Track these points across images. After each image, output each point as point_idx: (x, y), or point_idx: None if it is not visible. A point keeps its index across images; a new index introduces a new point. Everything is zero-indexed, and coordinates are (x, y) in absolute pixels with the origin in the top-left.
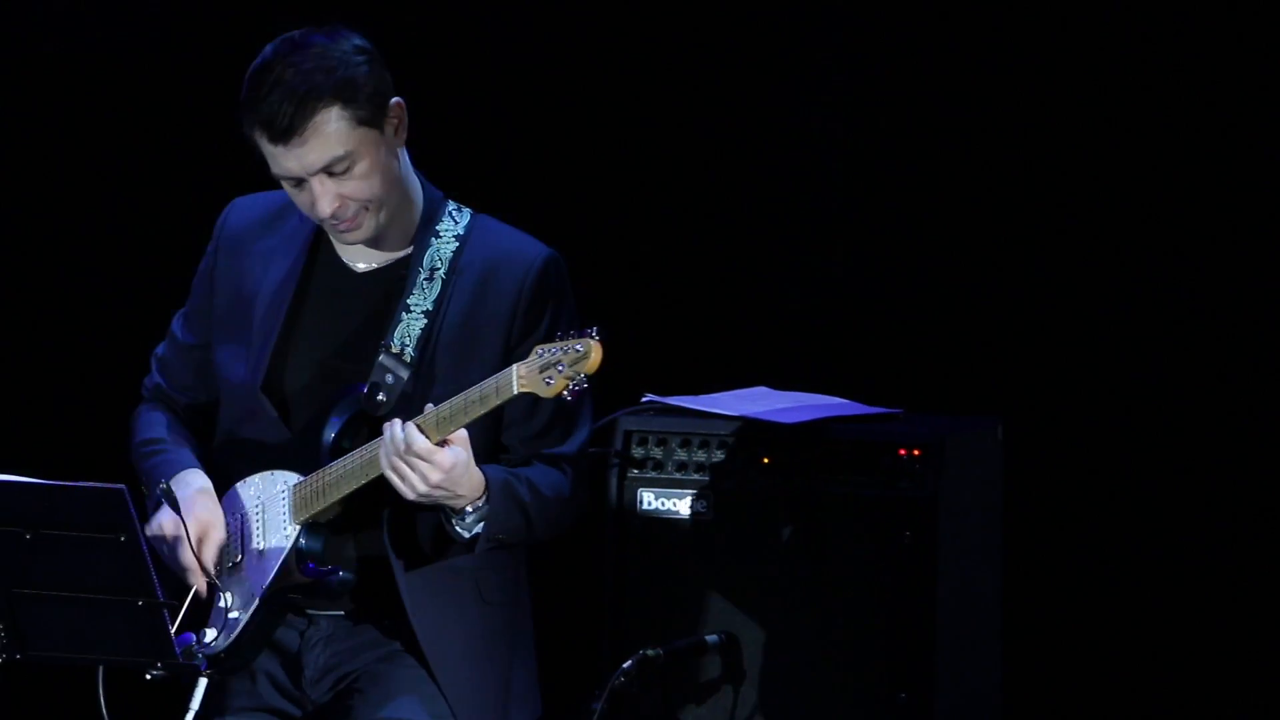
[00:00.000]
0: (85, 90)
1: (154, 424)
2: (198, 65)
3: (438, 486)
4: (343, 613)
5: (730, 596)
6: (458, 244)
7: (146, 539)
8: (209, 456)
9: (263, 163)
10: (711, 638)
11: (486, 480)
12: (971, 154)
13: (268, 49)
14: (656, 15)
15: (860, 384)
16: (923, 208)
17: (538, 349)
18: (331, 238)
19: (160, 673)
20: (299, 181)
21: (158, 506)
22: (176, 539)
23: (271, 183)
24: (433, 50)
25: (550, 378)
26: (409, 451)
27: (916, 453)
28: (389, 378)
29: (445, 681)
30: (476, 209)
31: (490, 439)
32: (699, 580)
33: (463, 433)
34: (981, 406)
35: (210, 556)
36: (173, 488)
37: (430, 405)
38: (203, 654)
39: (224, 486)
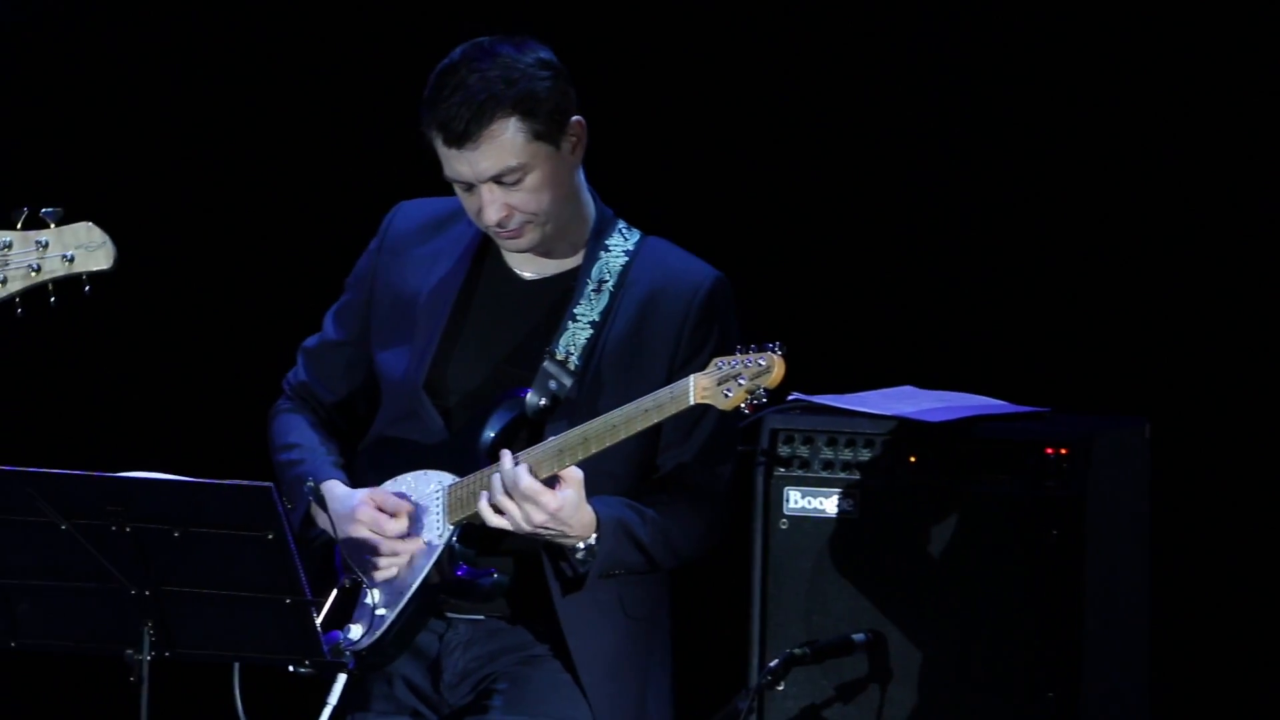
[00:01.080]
0: (239, 88)
1: (294, 427)
2: (361, 63)
3: (543, 526)
4: (482, 617)
5: (876, 595)
6: (627, 259)
7: (336, 532)
8: (357, 454)
9: (435, 163)
10: (858, 636)
11: (599, 520)
12: (1117, 149)
13: (456, 52)
14: (796, 31)
15: (1007, 383)
16: (1068, 206)
17: (717, 361)
18: (500, 246)
19: (306, 669)
20: (469, 186)
21: (305, 516)
22: (374, 528)
23: (435, 187)
24: (610, 69)
25: (729, 390)
26: (515, 489)
27: (1064, 452)
28: (552, 384)
29: (589, 686)
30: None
31: (643, 458)
32: (845, 579)
33: (576, 472)
34: (1129, 405)
35: (405, 547)
36: (324, 496)
37: (551, 437)
38: (346, 649)
39: (374, 483)
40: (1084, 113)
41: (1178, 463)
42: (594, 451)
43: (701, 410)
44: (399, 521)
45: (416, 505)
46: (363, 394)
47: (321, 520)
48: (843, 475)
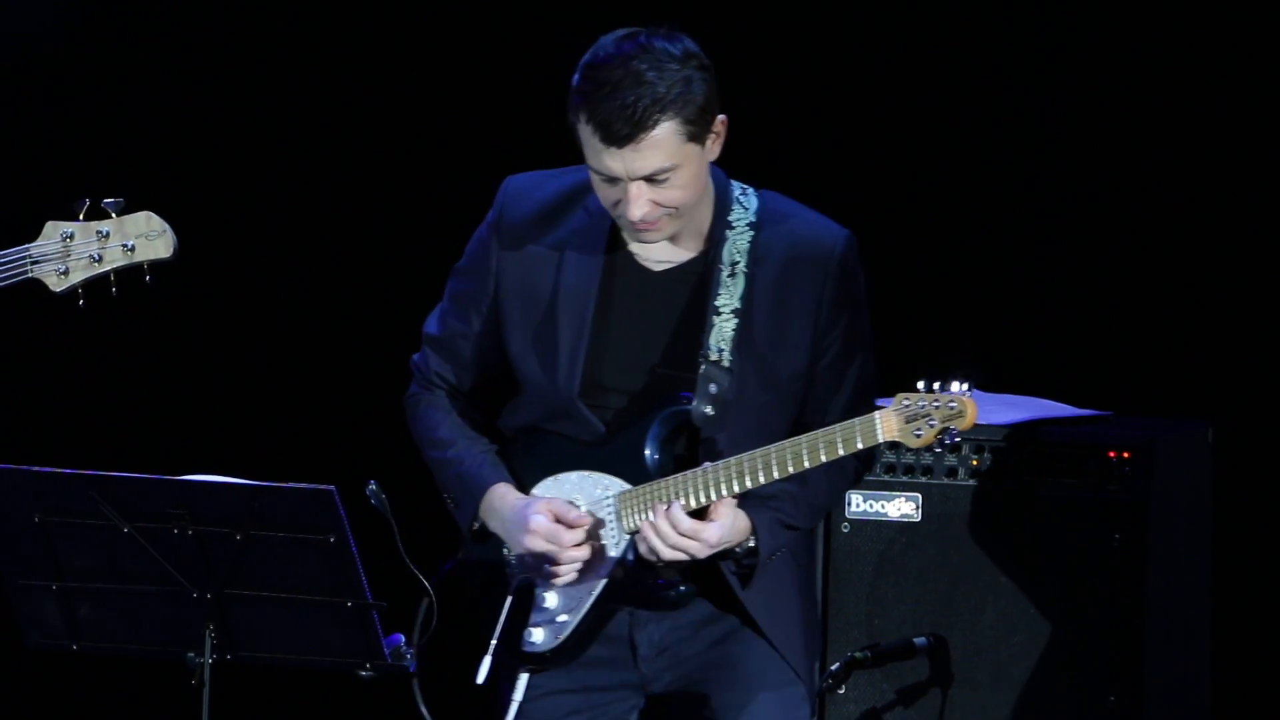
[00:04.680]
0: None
1: (442, 421)
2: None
3: (709, 554)
4: None
5: (937, 599)
6: (752, 233)
7: (509, 541)
8: (507, 443)
9: (569, 145)
10: (919, 640)
11: (753, 524)
12: (1181, 153)
13: (609, 43)
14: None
15: (1070, 386)
16: (1133, 211)
17: (903, 398)
18: (628, 237)
19: (370, 673)
20: (613, 179)
21: (473, 524)
22: (551, 539)
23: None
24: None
25: (920, 430)
26: (679, 532)
27: (1126, 455)
28: (712, 387)
29: (787, 652)
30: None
31: (787, 417)
32: (907, 582)
33: (728, 498)
34: (1192, 409)
35: (582, 555)
36: (493, 504)
37: (706, 464)
38: (527, 652)
39: (526, 475)
40: (1151, 118)
41: (1240, 466)
42: (776, 478)
43: (846, 368)
44: (576, 533)
45: (588, 509)
46: (498, 381)
47: (493, 524)
48: (904, 479)
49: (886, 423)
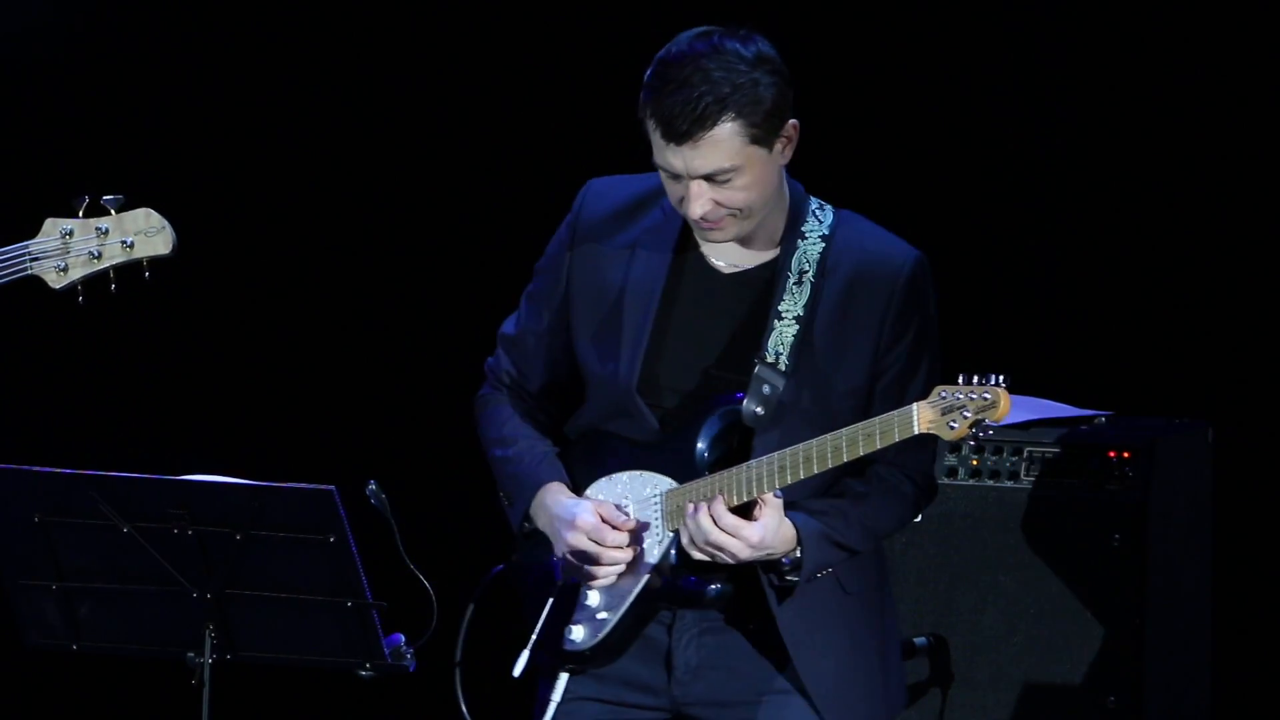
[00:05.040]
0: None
1: (506, 420)
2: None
3: (749, 559)
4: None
5: (938, 599)
6: (824, 244)
7: (555, 537)
8: (570, 444)
9: (642, 144)
10: (919, 640)
11: (799, 534)
12: (1184, 154)
13: (684, 40)
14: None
15: (1070, 386)
16: (1132, 212)
17: (939, 390)
18: (697, 237)
19: (370, 673)
20: (677, 176)
21: (525, 525)
22: (595, 536)
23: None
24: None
25: (954, 421)
26: (720, 528)
27: (1126, 455)
28: (765, 389)
29: (814, 689)
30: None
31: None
32: (907, 583)
33: (774, 499)
34: (1192, 409)
35: (624, 556)
36: (545, 501)
37: (747, 465)
38: (567, 650)
39: (583, 478)
40: (1151, 118)
41: (1240, 466)
42: (816, 471)
43: (907, 387)
44: (621, 534)
45: (635, 508)
46: (566, 382)
47: (541, 521)
48: None
49: (922, 414)
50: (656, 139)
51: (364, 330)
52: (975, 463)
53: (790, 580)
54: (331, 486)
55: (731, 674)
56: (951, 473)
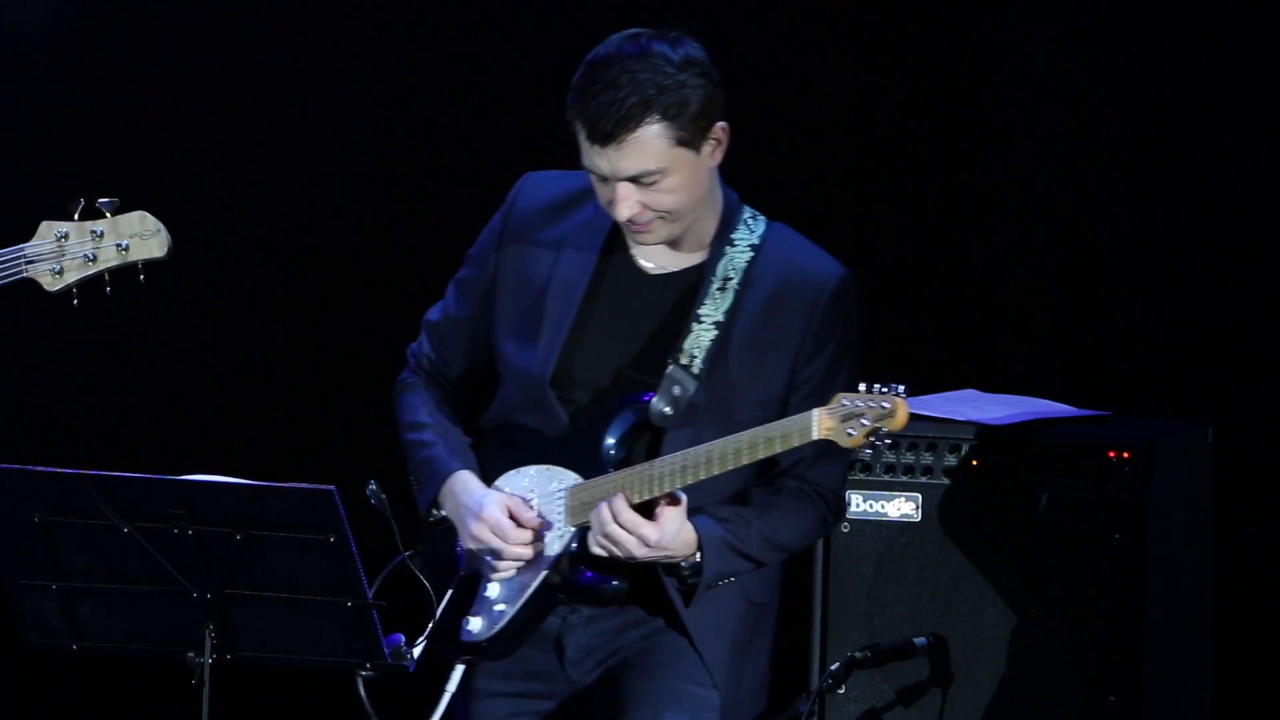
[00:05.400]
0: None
1: (423, 405)
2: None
3: (646, 558)
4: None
5: (938, 599)
6: (752, 253)
7: (460, 526)
8: (484, 435)
9: (572, 145)
10: (919, 640)
11: (700, 539)
12: (1184, 155)
13: (612, 42)
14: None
15: (1070, 386)
16: (1132, 212)
17: (841, 398)
18: (627, 238)
19: (369, 673)
20: (605, 178)
21: (434, 512)
22: (497, 531)
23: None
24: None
25: (852, 429)
26: (617, 523)
27: (1126, 456)
28: (676, 389)
29: (712, 663)
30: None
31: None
32: (906, 583)
33: (680, 498)
34: (1192, 409)
35: (525, 552)
36: (454, 489)
37: (664, 458)
38: (464, 641)
39: (494, 469)
40: (1151, 118)
41: (1240, 467)
42: (716, 473)
43: (819, 404)
44: (524, 531)
45: (540, 502)
46: (485, 372)
47: (448, 509)
48: (905, 479)
49: (822, 421)
50: (583, 140)
51: (364, 330)
52: (975, 463)
53: (691, 583)
54: (331, 486)
55: (619, 643)
56: (952, 473)
